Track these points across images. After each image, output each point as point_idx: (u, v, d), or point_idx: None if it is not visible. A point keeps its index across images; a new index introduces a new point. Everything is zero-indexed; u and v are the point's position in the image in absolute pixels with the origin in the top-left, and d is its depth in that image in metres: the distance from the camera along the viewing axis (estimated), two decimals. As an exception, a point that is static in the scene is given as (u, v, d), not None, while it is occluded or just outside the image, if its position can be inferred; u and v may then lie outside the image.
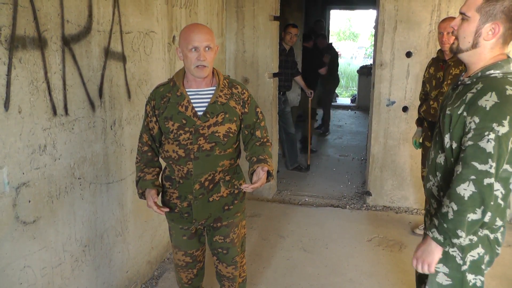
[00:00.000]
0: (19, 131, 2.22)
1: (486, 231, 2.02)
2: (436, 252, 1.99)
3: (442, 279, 2.12)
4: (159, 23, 3.61)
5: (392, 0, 4.99)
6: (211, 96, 2.53)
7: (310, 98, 7.21)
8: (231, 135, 2.56)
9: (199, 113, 2.49)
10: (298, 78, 6.90)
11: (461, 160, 1.86)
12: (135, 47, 3.25)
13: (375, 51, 5.35)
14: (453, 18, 3.96)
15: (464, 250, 2.03)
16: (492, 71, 1.92)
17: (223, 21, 5.34)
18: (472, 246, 2.02)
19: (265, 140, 2.71)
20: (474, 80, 1.95)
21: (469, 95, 1.90)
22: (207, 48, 2.42)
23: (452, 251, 2.06)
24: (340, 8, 16.30)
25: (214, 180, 2.61)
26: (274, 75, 5.60)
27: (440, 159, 2.08)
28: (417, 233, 4.66)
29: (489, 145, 1.78)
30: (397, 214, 5.29)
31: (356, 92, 13.93)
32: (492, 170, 1.79)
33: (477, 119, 1.82)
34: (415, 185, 5.32)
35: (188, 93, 2.53)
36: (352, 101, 14.02)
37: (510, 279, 3.83)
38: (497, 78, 1.89)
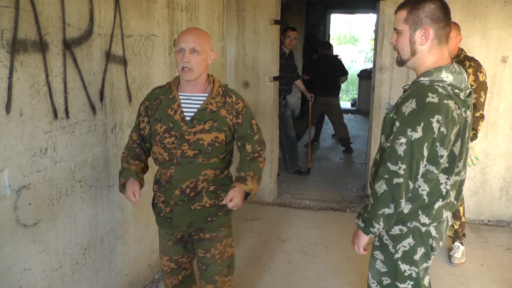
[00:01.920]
0: (20, 134, 2.23)
1: (415, 223, 2.14)
2: (361, 236, 2.19)
3: (380, 265, 2.31)
4: (160, 26, 3.62)
5: (392, 4, 5.00)
6: (202, 102, 2.50)
7: (310, 102, 7.23)
8: (217, 144, 2.50)
9: (187, 118, 2.46)
10: (299, 82, 6.91)
11: (383, 159, 2.03)
12: (136, 51, 3.26)
13: (375, 55, 5.36)
14: (453, 22, 3.98)
15: (395, 239, 2.19)
16: (422, 78, 2.06)
17: (224, 25, 5.35)
18: (402, 236, 2.17)
19: (256, 155, 2.66)
20: (411, 85, 2.11)
21: (399, 100, 2.08)
22: (193, 51, 2.39)
23: (386, 240, 2.24)
24: (341, 12, 16.30)
25: (197, 189, 2.53)
26: (275, 78, 5.61)
27: (377, 156, 2.24)
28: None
29: (400, 148, 1.93)
30: (397, 217, 5.28)
31: (356, 96, 13.93)
32: (401, 171, 1.93)
33: (397, 123, 1.99)
34: (415, 188, 5.31)
35: (180, 97, 2.51)
36: (353, 105, 14.02)
37: (509, 282, 3.83)
38: (424, 85, 2.01)
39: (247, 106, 2.64)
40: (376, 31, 5.38)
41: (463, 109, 2.01)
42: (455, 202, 2.22)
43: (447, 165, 2.07)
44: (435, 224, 2.16)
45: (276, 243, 4.54)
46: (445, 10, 2.02)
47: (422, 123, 1.91)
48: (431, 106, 1.92)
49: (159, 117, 2.48)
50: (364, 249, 2.25)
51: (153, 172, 2.78)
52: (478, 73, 3.87)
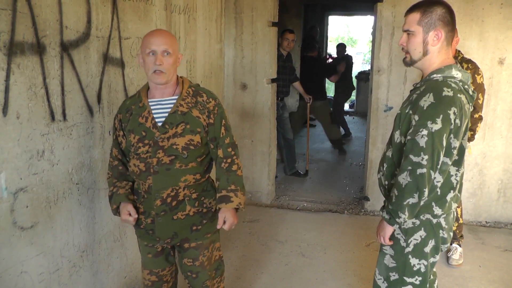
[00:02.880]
0: (17, 137, 2.23)
1: (427, 215, 2.23)
2: (387, 228, 2.27)
3: (389, 261, 2.37)
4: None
5: (389, 7, 5.01)
6: (172, 105, 2.42)
7: (308, 104, 7.23)
8: (192, 147, 2.42)
9: (159, 124, 2.39)
10: (297, 84, 6.92)
11: (404, 153, 2.13)
12: (133, 53, 3.26)
13: (372, 57, 5.37)
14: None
15: (407, 232, 2.27)
16: (435, 75, 2.18)
17: (222, 27, 5.35)
18: (414, 230, 2.25)
19: (229, 161, 2.53)
20: (422, 83, 2.23)
21: (414, 95, 2.18)
22: (165, 53, 2.34)
23: (397, 234, 2.31)
24: (339, 14, 16.35)
25: (178, 197, 2.45)
26: (273, 80, 5.61)
27: (389, 152, 2.33)
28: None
29: (422, 140, 2.03)
30: (395, 219, 5.29)
31: (354, 98, 13.96)
32: (424, 162, 2.02)
33: (416, 117, 2.08)
34: (413, 190, 5.32)
35: (150, 103, 2.44)
36: (351, 106, 14.03)
37: (507, 284, 3.83)
38: (438, 81, 2.14)
39: (219, 105, 2.54)
40: (373, 33, 5.39)
41: (470, 104, 2.17)
42: (459, 194, 2.31)
43: (457, 157, 2.17)
44: (445, 215, 2.25)
45: (274, 245, 4.54)
46: (452, 15, 2.16)
47: (441, 115, 2.01)
48: (448, 99, 2.03)
49: (132, 127, 2.42)
50: (390, 239, 2.32)
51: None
52: (476, 75, 3.88)
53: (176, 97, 2.45)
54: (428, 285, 2.34)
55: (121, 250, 3.27)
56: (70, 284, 2.71)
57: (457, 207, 4.14)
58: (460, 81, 2.13)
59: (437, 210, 2.20)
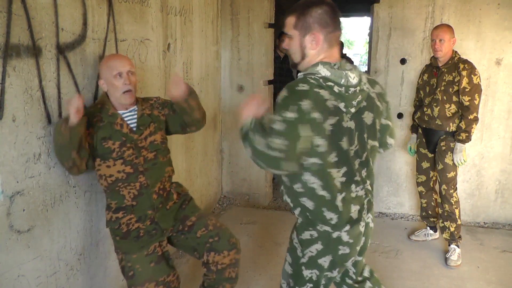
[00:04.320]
0: (14, 140, 2.22)
1: (325, 227, 2.11)
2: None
3: (288, 268, 2.32)
4: (154, 31, 3.61)
5: (386, 8, 5.02)
6: (136, 112, 2.65)
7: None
8: (165, 140, 2.76)
9: (134, 129, 2.61)
10: None
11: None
12: (130, 55, 3.25)
13: (369, 58, 5.37)
14: (446, 25, 4.01)
15: (303, 244, 2.18)
16: (299, 74, 2.10)
17: (218, 29, 5.35)
18: (311, 242, 2.16)
19: None
20: None
21: None
22: (130, 73, 2.57)
23: (295, 243, 2.23)
24: (335, 15, 16.31)
25: (166, 189, 2.75)
26: (269, 82, 5.60)
27: None
28: (413, 239, 4.66)
29: (277, 125, 1.91)
30: (393, 220, 5.29)
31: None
32: (282, 147, 1.90)
33: (275, 112, 1.97)
34: (410, 191, 5.33)
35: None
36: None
37: (505, 284, 3.83)
38: (297, 79, 2.05)
39: (163, 99, 2.87)
40: (370, 34, 5.39)
41: (342, 103, 2.00)
42: (356, 194, 2.17)
43: (336, 159, 2.03)
44: (347, 228, 2.12)
45: (271, 247, 4.53)
46: (334, 15, 2.03)
47: (295, 106, 1.90)
48: (300, 92, 1.94)
49: (107, 135, 2.54)
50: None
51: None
52: (472, 76, 3.89)
53: (136, 106, 2.68)
54: None
55: (118, 253, 3.26)
56: (67, 287, 2.70)
57: (455, 208, 4.15)
58: (322, 77, 1.99)
59: (330, 215, 2.08)
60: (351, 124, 2.05)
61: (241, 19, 5.41)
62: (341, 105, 2.00)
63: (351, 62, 8.11)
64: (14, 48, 2.18)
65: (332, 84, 1.99)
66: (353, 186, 2.13)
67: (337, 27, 2.06)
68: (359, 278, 2.51)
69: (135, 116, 2.64)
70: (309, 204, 2.10)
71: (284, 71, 6.56)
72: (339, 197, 2.08)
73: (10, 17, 2.14)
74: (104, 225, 3.03)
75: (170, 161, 2.80)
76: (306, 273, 2.21)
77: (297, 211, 2.18)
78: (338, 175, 2.07)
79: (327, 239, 2.13)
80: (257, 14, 5.34)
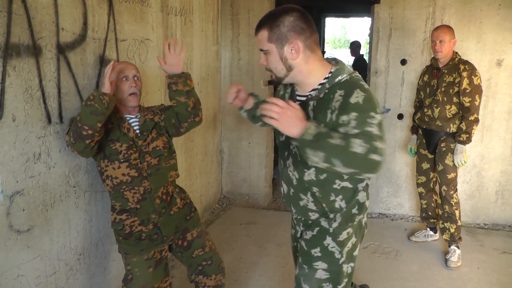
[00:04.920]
0: (13, 139, 2.21)
1: (360, 216, 2.21)
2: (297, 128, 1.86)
3: (321, 274, 2.21)
4: (154, 31, 3.61)
5: (386, 8, 5.01)
6: (138, 119, 2.69)
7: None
8: (167, 146, 2.76)
9: (138, 134, 2.64)
10: (265, 83, 6.91)
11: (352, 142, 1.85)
12: (130, 55, 3.24)
13: (370, 58, 5.36)
14: (447, 26, 4.01)
15: (342, 244, 2.18)
16: (339, 77, 1.98)
17: (219, 29, 5.34)
18: (348, 239, 2.20)
19: None
20: (326, 91, 1.99)
21: (337, 103, 1.92)
22: (135, 78, 2.62)
23: (332, 247, 2.18)
24: (335, 16, 16.34)
25: (169, 194, 2.77)
26: (270, 83, 5.59)
27: None
28: (413, 240, 4.66)
29: (375, 129, 1.83)
30: (393, 221, 5.29)
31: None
32: (382, 151, 1.82)
33: (353, 115, 1.85)
34: (410, 192, 5.33)
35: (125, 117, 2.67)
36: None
37: (505, 286, 3.83)
38: (349, 80, 1.97)
39: (162, 104, 2.93)
40: (370, 35, 5.38)
41: None
42: None
43: None
44: (364, 214, 2.26)
45: (271, 247, 4.53)
46: (306, 19, 1.95)
47: (377, 108, 1.88)
48: (371, 92, 1.92)
49: (115, 137, 2.57)
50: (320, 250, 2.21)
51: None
52: (473, 77, 3.88)
53: (139, 114, 2.72)
54: None
55: (118, 253, 3.24)
56: (67, 287, 2.70)
57: (455, 209, 4.15)
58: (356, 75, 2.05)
59: (367, 203, 2.24)
60: None
61: (241, 19, 5.41)
62: None
63: (366, 64, 8.13)
64: (14, 48, 2.18)
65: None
66: None
67: (313, 31, 1.98)
68: None
69: (138, 122, 2.67)
70: (362, 198, 2.17)
71: None
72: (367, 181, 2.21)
73: (10, 17, 2.14)
74: (103, 225, 3.03)
75: (174, 166, 2.80)
76: (345, 268, 2.22)
77: (339, 214, 2.16)
78: None
79: (358, 228, 2.23)
80: (257, 14, 5.33)
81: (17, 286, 2.30)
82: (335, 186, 2.11)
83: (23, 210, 2.31)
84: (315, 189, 2.15)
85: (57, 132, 2.51)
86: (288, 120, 1.82)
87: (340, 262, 2.20)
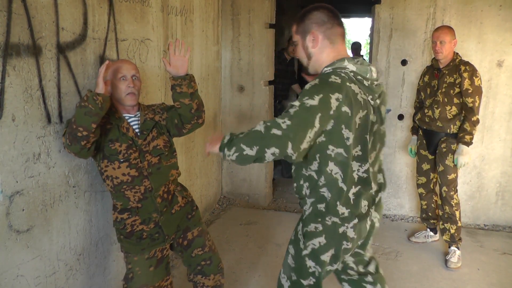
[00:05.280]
0: (13, 139, 2.21)
1: (334, 219, 2.16)
2: (216, 146, 2.17)
3: (290, 261, 2.34)
4: (155, 30, 3.60)
5: (387, 9, 5.01)
6: (139, 118, 2.68)
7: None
8: (168, 145, 2.76)
9: (138, 133, 2.64)
10: (296, 86, 6.93)
11: None
12: (130, 55, 3.24)
13: (370, 59, 5.37)
14: (447, 27, 4.01)
15: (306, 236, 2.23)
16: (325, 69, 2.16)
17: (219, 29, 5.34)
18: (315, 234, 2.20)
19: None
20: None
21: None
22: (134, 77, 2.60)
23: (300, 235, 2.28)
24: (336, 16, 16.32)
25: (170, 192, 2.76)
26: (270, 83, 5.60)
27: None
28: (413, 241, 4.66)
29: (292, 110, 1.98)
30: (393, 221, 5.29)
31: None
32: (284, 126, 1.94)
33: (298, 98, 2.05)
34: (410, 193, 5.32)
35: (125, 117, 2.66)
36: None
37: (505, 287, 3.82)
38: (327, 72, 2.11)
39: (164, 103, 2.90)
40: (371, 35, 5.38)
41: (370, 96, 2.13)
42: (373, 193, 2.24)
43: (360, 153, 2.13)
44: (355, 222, 2.18)
45: (271, 247, 4.52)
46: (330, 14, 2.17)
47: (321, 95, 1.96)
48: (333, 85, 2.00)
49: (114, 137, 2.56)
50: (208, 153, 2.29)
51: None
52: (474, 78, 3.88)
53: (137, 113, 2.71)
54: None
55: (117, 253, 3.24)
56: (66, 287, 2.69)
57: (456, 210, 4.14)
58: (352, 71, 2.09)
59: (342, 209, 2.13)
60: (373, 117, 2.16)
61: (241, 19, 5.41)
62: (369, 98, 2.11)
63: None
64: (14, 47, 2.17)
65: (361, 78, 2.10)
66: (372, 183, 2.21)
67: (335, 24, 2.16)
68: (362, 270, 2.51)
69: (138, 121, 2.66)
70: (327, 195, 2.15)
71: (288, 74, 6.59)
72: (353, 190, 2.15)
73: (10, 16, 2.13)
74: (103, 225, 3.03)
75: (174, 164, 2.80)
76: (309, 263, 2.24)
77: (309, 203, 2.22)
78: (359, 169, 2.15)
79: (332, 233, 2.17)
80: (258, 15, 5.34)
81: (16, 286, 2.30)
82: (303, 171, 2.22)
83: (23, 210, 2.31)
84: (306, 172, 2.23)
85: (57, 132, 2.51)
86: (213, 143, 2.19)
87: (303, 254, 2.24)
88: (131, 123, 2.64)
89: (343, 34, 2.20)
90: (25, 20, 2.24)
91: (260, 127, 2.01)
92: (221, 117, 5.66)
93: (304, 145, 1.97)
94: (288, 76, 6.57)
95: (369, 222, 2.26)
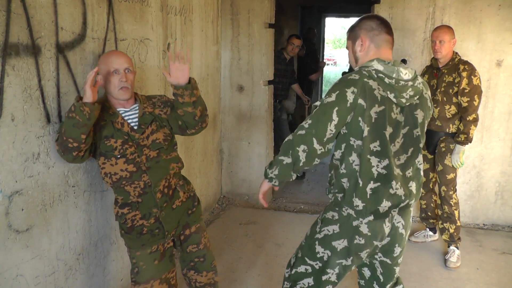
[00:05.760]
0: (12, 139, 2.21)
1: (350, 211, 2.25)
2: (263, 182, 2.39)
3: (303, 240, 2.50)
4: (154, 30, 3.60)
5: (386, 8, 5.01)
6: (137, 111, 2.63)
7: (306, 106, 7.24)
8: (169, 138, 2.71)
9: (135, 127, 2.58)
10: (295, 86, 6.93)
11: None
12: (129, 54, 3.24)
13: (370, 58, 5.35)
14: (447, 26, 4.01)
15: (323, 221, 2.38)
16: (356, 68, 2.31)
17: (218, 29, 5.34)
18: (331, 222, 2.34)
19: None
20: None
21: None
22: (127, 71, 2.54)
23: (319, 219, 2.43)
24: (335, 16, 16.33)
25: (171, 187, 2.71)
26: (270, 82, 5.60)
27: None
28: (412, 241, 4.66)
29: (314, 111, 2.19)
30: (393, 221, 5.28)
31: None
32: (306, 125, 2.16)
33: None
34: (410, 192, 5.31)
35: (119, 111, 2.60)
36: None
37: (504, 286, 3.82)
38: (354, 71, 2.24)
39: (166, 96, 2.84)
40: (371, 35, 5.38)
41: (392, 94, 2.16)
42: (392, 191, 2.23)
43: (379, 148, 2.18)
44: (370, 218, 2.23)
45: (271, 247, 4.52)
46: (379, 22, 2.29)
47: (338, 91, 2.13)
48: (349, 80, 2.15)
49: (109, 133, 2.52)
50: (265, 200, 2.46)
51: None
52: (472, 77, 3.88)
53: (137, 104, 2.66)
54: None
55: (117, 252, 3.25)
56: (66, 287, 2.70)
57: (455, 209, 4.14)
58: (375, 70, 2.18)
59: (357, 202, 2.20)
60: (400, 118, 2.21)
61: (241, 19, 5.40)
62: (391, 96, 2.15)
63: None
64: (13, 47, 2.18)
65: (383, 76, 2.15)
66: (393, 182, 2.21)
67: (383, 31, 2.27)
68: (388, 286, 2.51)
69: (136, 114, 2.61)
70: (347, 185, 2.25)
71: (288, 73, 6.60)
72: (371, 185, 2.19)
73: (9, 16, 2.13)
74: (103, 225, 3.03)
75: (175, 158, 2.75)
76: (318, 249, 2.35)
77: (333, 191, 2.34)
78: (378, 165, 2.19)
79: (346, 224, 2.27)
80: (257, 14, 5.34)
81: (16, 285, 2.30)
82: (333, 161, 2.38)
83: (22, 210, 2.31)
84: (336, 162, 2.37)
85: (56, 132, 2.51)
86: (262, 191, 2.44)
87: (315, 237, 2.38)
88: (127, 117, 2.59)
89: (390, 41, 2.31)
90: (24, 19, 2.24)
91: (289, 136, 2.23)
92: (220, 117, 5.66)
93: (328, 138, 2.15)
94: (288, 76, 6.57)
95: (388, 225, 2.28)
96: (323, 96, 2.23)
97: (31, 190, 2.37)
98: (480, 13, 4.77)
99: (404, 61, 5.05)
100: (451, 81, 3.98)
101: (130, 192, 2.58)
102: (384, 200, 2.19)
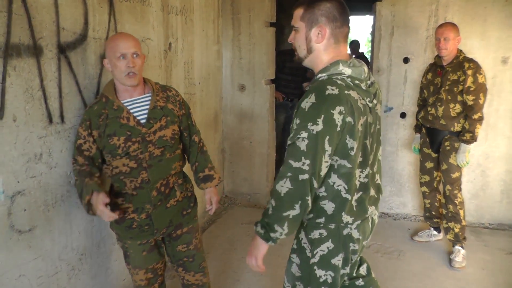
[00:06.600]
0: (14, 140, 2.21)
1: (336, 224, 2.07)
2: (261, 245, 2.07)
3: (295, 269, 2.24)
4: (155, 30, 3.60)
5: (388, 6, 4.99)
6: (148, 102, 2.52)
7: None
8: (176, 136, 2.61)
9: (142, 121, 2.47)
10: (306, 84, 6.89)
11: (284, 159, 1.94)
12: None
13: (372, 57, 5.35)
14: (451, 23, 3.98)
15: (313, 243, 2.12)
16: (320, 75, 2.02)
17: (219, 28, 5.33)
18: (321, 240, 2.10)
19: (201, 145, 2.83)
20: (310, 84, 2.04)
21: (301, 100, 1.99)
22: (134, 55, 2.42)
23: (304, 243, 2.17)
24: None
25: (169, 185, 2.63)
26: (272, 81, 5.59)
27: None
28: (416, 240, 4.64)
29: (302, 144, 1.86)
30: (396, 220, 5.27)
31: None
32: (305, 167, 1.86)
33: (298, 120, 1.91)
34: (413, 191, 5.31)
35: (125, 104, 2.49)
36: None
37: (510, 287, 3.80)
38: (323, 80, 1.97)
39: (183, 98, 2.75)
40: (372, 33, 5.37)
41: (368, 99, 2.02)
42: (375, 195, 2.19)
43: (361, 159, 2.04)
44: (358, 222, 2.11)
45: (273, 247, 4.47)
46: (342, 10, 2.01)
47: (323, 116, 1.85)
48: (332, 98, 1.87)
49: (112, 131, 2.43)
50: (259, 266, 2.15)
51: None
52: (477, 75, 3.86)
53: (149, 94, 2.56)
54: None
55: (119, 252, 3.23)
56: (69, 287, 2.69)
57: (460, 208, 4.12)
58: (349, 76, 1.97)
59: (347, 218, 2.05)
60: (370, 119, 2.06)
61: (242, 19, 5.39)
62: (367, 101, 2.02)
63: (367, 61, 8.07)
64: (15, 48, 2.17)
65: (358, 82, 1.98)
66: (371, 188, 2.14)
67: (344, 23, 2.02)
68: (353, 274, 2.39)
69: (147, 106, 2.51)
70: (328, 207, 2.04)
71: (300, 72, 6.50)
72: (355, 196, 2.07)
73: (10, 17, 2.13)
74: (105, 225, 3.02)
75: (178, 156, 2.65)
76: (320, 273, 2.12)
77: (307, 217, 2.12)
78: (361, 176, 2.07)
79: (337, 236, 2.09)
80: (258, 13, 5.32)
81: (18, 286, 2.29)
82: (320, 187, 2.10)
83: (24, 210, 2.31)
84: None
85: (58, 132, 2.50)
86: (251, 253, 2.14)
87: (311, 262, 2.13)
88: (136, 108, 2.50)
89: (347, 35, 2.08)
90: (26, 20, 2.23)
91: (285, 183, 1.89)
92: (222, 117, 5.65)
93: (323, 171, 1.93)
94: (300, 74, 6.50)
95: (370, 221, 2.21)
96: (298, 121, 1.90)
97: (33, 191, 2.36)
98: (484, 10, 4.74)
99: (406, 60, 5.03)
100: (456, 79, 3.96)
101: (126, 183, 2.53)
102: (368, 206, 2.12)
